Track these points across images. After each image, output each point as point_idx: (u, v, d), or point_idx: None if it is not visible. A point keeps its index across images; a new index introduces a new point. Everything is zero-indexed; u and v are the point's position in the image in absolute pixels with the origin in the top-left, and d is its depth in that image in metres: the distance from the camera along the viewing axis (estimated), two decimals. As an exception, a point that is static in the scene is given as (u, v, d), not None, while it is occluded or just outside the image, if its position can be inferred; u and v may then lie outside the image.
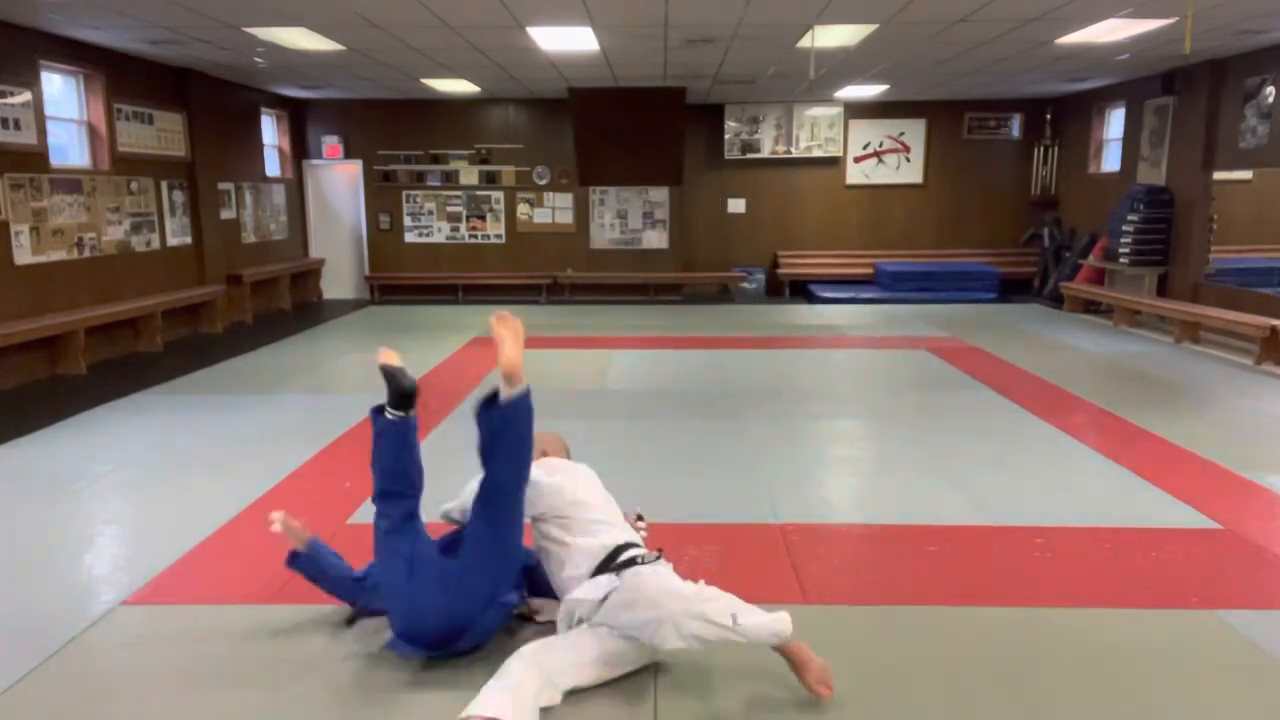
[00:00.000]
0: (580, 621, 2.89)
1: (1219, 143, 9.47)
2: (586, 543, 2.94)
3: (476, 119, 12.96)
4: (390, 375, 3.09)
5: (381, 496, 3.02)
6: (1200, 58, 9.18)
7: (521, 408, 2.92)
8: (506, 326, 2.99)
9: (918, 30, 7.71)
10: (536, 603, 3.16)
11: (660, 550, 2.96)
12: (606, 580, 2.81)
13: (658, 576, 2.80)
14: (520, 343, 2.98)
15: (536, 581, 3.18)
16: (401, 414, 3.06)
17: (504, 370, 2.90)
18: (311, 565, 3.19)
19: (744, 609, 2.68)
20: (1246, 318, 8.26)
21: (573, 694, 2.76)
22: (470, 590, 2.83)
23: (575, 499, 3.05)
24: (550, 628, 3.02)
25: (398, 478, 3.02)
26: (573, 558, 2.93)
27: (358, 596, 3.17)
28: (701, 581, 2.76)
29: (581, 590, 2.85)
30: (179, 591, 3.52)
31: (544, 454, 3.33)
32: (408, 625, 2.86)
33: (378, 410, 3.09)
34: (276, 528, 3.15)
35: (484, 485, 2.94)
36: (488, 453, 2.93)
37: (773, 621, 2.71)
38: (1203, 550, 3.87)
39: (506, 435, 2.91)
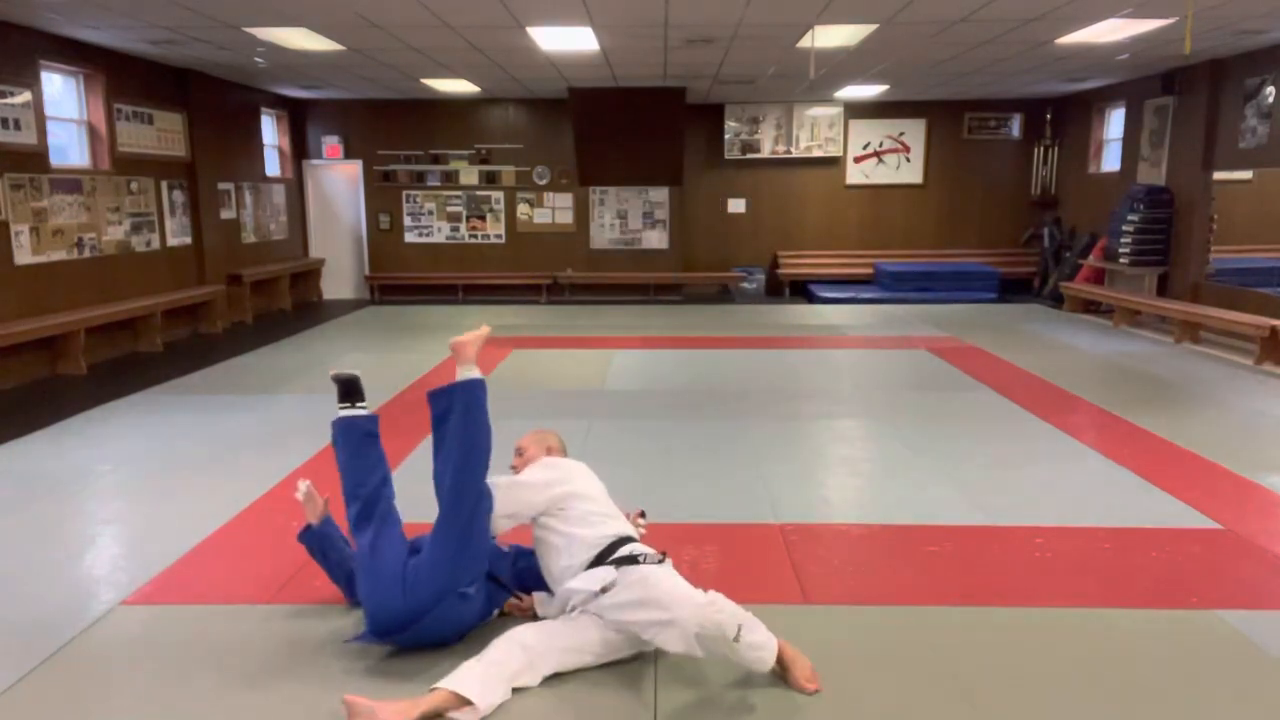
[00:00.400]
0: (573, 609, 2.92)
1: (1219, 143, 9.47)
2: (584, 533, 2.95)
3: (476, 119, 12.96)
4: (335, 377, 3.27)
5: (345, 499, 3.11)
6: (1200, 58, 9.18)
7: (469, 390, 2.99)
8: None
9: (918, 30, 7.71)
10: (525, 599, 3.16)
11: (665, 553, 2.97)
12: (604, 572, 2.83)
13: (671, 579, 2.80)
14: (476, 337, 3.17)
15: (525, 575, 3.20)
16: (349, 405, 3.19)
17: (450, 345, 3.10)
18: (318, 543, 3.23)
19: (750, 624, 2.67)
20: (1246, 318, 8.26)
21: (570, 683, 2.79)
22: (427, 580, 2.86)
23: (573, 491, 3.06)
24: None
25: (348, 476, 3.11)
26: (570, 548, 2.94)
27: (349, 586, 3.21)
28: (713, 591, 2.75)
29: (578, 580, 2.87)
30: (179, 591, 3.52)
31: (549, 450, 3.33)
32: (369, 613, 2.92)
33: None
34: (300, 495, 3.26)
35: (440, 476, 2.97)
36: (437, 438, 2.99)
37: (764, 650, 2.70)
38: (1203, 550, 3.87)
39: (453, 418, 2.95)
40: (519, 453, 3.30)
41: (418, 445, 5.46)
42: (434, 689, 2.61)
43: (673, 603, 2.69)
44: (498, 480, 3.06)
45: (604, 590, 2.80)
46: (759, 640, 2.68)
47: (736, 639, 2.61)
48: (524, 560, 3.24)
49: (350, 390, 3.23)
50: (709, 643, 2.64)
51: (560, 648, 2.82)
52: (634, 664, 2.90)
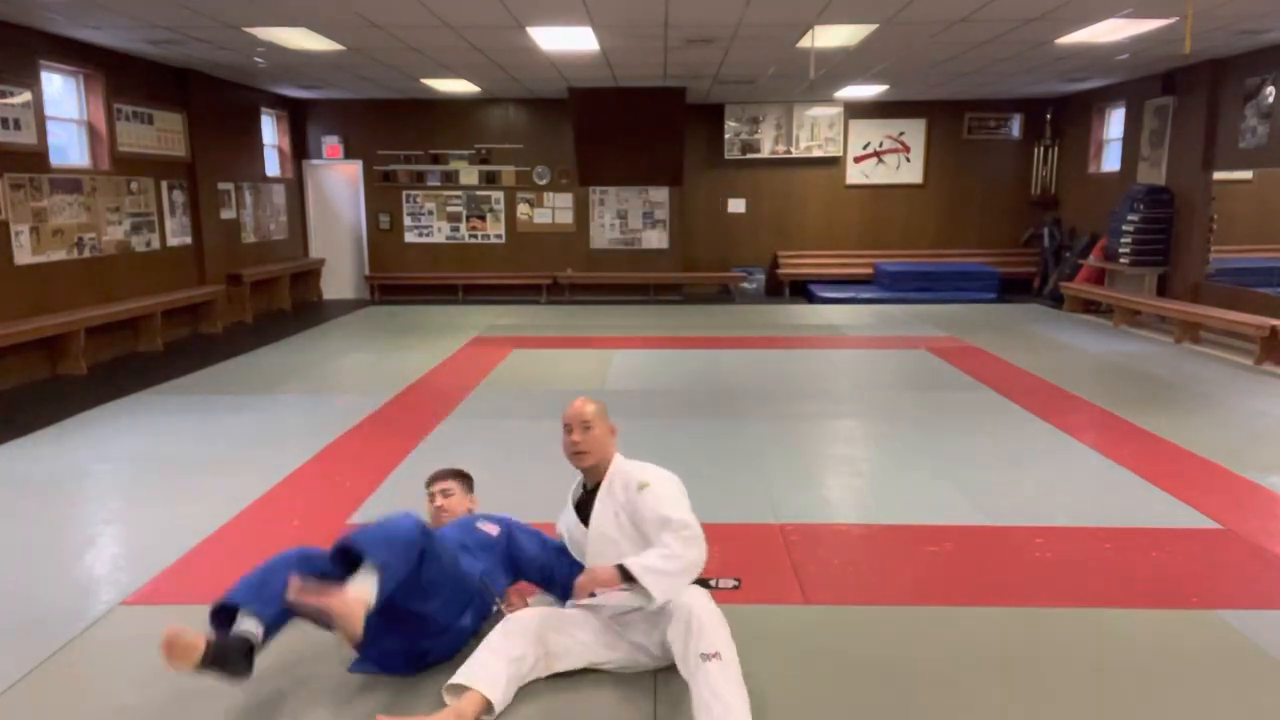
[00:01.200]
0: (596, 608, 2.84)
1: (1219, 143, 9.47)
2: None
3: (476, 119, 12.96)
4: (217, 663, 2.46)
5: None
6: (1200, 58, 9.18)
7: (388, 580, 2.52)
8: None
9: (918, 30, 7.71)
10: (516, 600, 3.07)
11: (739, 580, 2.90)
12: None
13: (706, 595, 2.71)
14: (353, 615, 2.38)
15: (518, 560, 3.08)
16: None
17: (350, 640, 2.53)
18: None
19: (729, 665, 2.48)
20: (1246, 318, 8.26)
21: (570, 683, 2.78)
22: (427, 624, 2.78)
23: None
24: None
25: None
26: None
27: None
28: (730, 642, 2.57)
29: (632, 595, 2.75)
30: (179, 591, 3.52)
31: (614, 430, 2.97)
32: (370, 651, 2.84)
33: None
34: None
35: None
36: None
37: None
38: (1203, 550, 3.87)
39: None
40: (585, 426, 2.88)
41: (416, 446, 5.47)
42: (458, 687, 2.54)
43: (694, 602, 2.60)
44: (677, 529, 2.68)
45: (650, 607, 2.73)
46: (725, 699, 2.40)
47: (703, 659, 2.46)
48: (515, 543, 3.09)
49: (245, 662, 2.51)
50: (690, 638, 2.53)
51: (577, 653, 2.78)
52: (637, 674, 2.88)
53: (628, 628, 2.81)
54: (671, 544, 2.64)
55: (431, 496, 3.32)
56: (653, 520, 2.71)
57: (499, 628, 2.74)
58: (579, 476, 3.03)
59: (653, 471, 2.87)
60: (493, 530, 3.09)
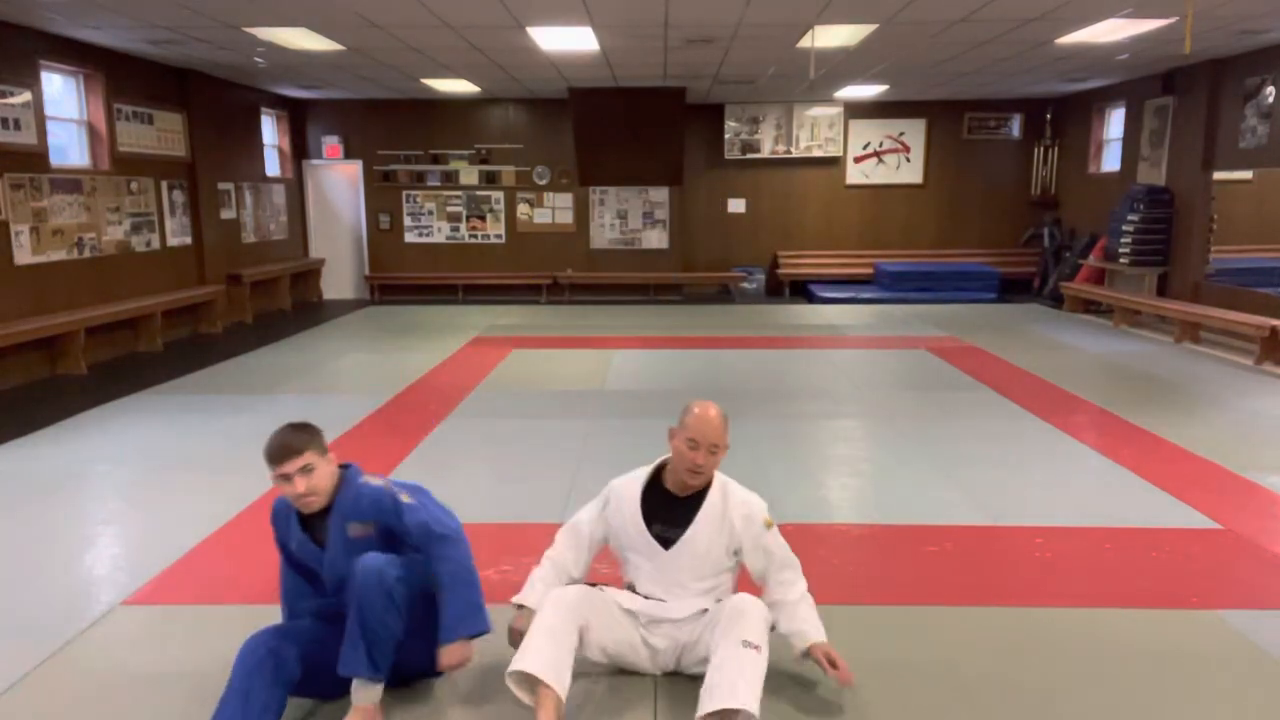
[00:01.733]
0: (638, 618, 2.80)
1: (1219, 143, 9.47)
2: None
3: (476, 119, 12.96)
4: None
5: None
6: (1200, 58, 9.18)
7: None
8: None
9: (918, 30, 7.72)
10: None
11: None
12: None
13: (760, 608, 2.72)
14: None
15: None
16: None
17: None
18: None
19: (763, 661, 2.52)
20: (1246, 318, 8.26)
21: (572, 688, 2.76)
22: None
23: None
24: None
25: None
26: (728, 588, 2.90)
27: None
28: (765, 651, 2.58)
29: (695, 602, 2.77)
30: (179, 591, 3.52)
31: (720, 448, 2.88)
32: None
33: None
34: None
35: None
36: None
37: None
38: (1203, 550, 3.87)
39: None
40: (713, 450, 2.79)
41: (417, 446, 5.46)
42: (530, 678, 2.47)
43: (747, 613, 2.62)
44: (798, 570, 2.91)
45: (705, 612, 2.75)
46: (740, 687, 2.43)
47: (749, 642, 2.52)
48: (388, 538, 2.64)
49: None
50: (721, 646, 2.54)
51: (595, 646, 2.72)
52: (638, 675, 2.87)
53: (653, 634, 2.79)
54: (799, 583, 2.87)
55: (288, 480, 2.52)
56: (780, 557, 2.87)
57: (550, 609, 2.61)
58: (644, 474, 2.90)
59: (758, 501, 2.91)
60: (366, 531, 2.64)
